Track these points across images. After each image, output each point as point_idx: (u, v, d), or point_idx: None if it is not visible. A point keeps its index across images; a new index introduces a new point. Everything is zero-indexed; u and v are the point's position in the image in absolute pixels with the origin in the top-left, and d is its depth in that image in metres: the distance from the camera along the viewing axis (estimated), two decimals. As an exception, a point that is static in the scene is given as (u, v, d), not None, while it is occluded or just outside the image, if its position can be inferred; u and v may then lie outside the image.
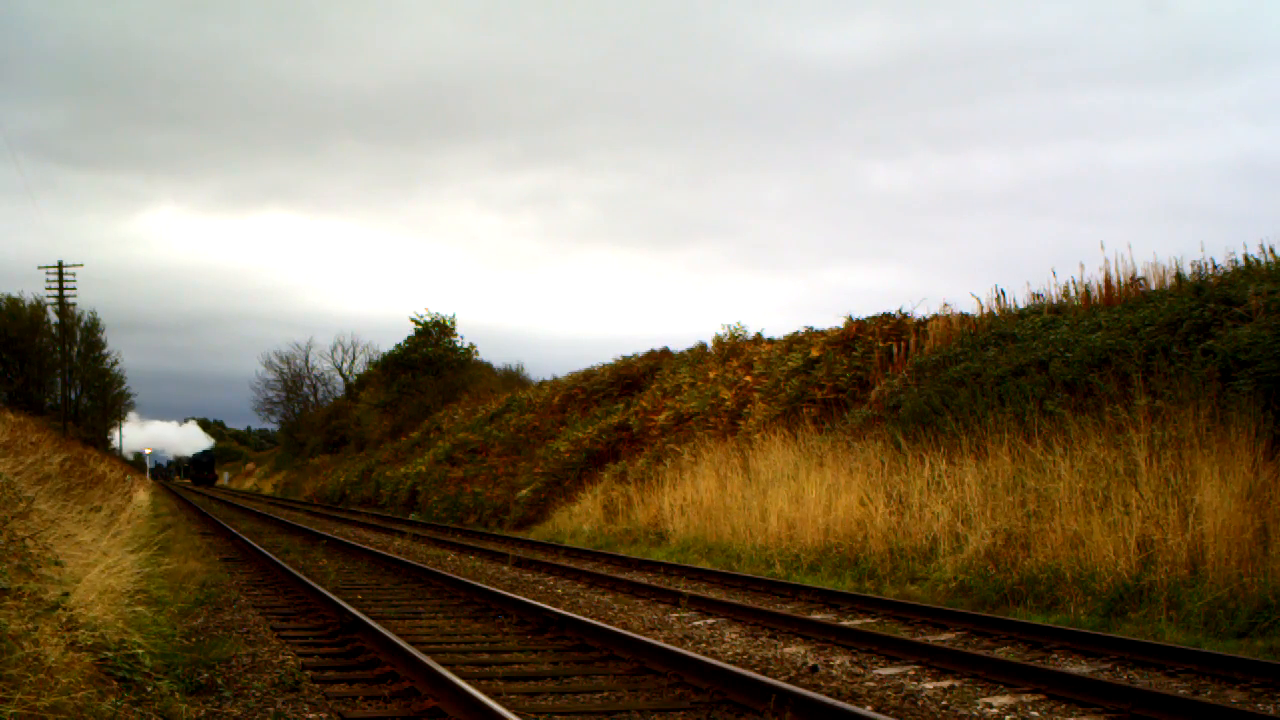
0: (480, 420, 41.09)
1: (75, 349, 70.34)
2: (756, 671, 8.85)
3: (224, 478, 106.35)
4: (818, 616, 12.11)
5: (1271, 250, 15.65)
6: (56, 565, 8.60)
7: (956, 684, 8.70)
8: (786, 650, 10.27)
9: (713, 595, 13.83)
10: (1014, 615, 11.51)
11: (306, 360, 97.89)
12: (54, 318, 63.86)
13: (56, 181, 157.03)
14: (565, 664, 9.53)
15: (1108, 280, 17.96)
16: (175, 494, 58.57)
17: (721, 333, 29.43)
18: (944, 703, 8.09)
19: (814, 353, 22.47)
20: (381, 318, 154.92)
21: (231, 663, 9.38)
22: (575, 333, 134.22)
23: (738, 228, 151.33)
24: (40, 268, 63.16)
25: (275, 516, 34.74)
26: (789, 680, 8.59)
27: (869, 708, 7.80)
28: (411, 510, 37.76)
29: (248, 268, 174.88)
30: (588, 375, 35.00)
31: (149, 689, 7.53)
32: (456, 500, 33.88)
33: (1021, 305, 19.50)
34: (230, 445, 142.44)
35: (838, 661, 9.68)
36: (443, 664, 8.65)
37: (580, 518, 25.46)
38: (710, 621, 12.12)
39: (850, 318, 22.82)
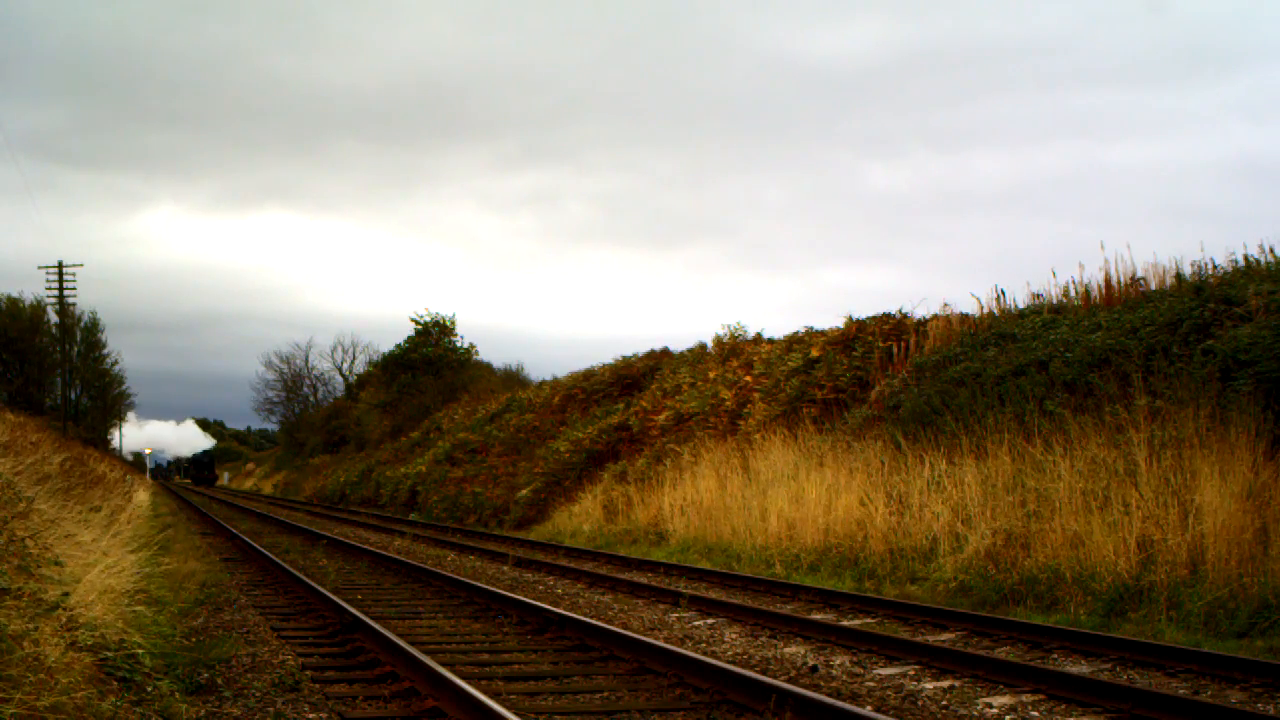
0: (480, 420, 41.08)
1: (75, 349, 70.33)
2: (756, 671, 8.85)
3: (224, 478, 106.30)
4: (818, 616, 12.11)
5: (1271, 250, 15.68)
6: (56, 565, 8.59)
7: (956, 684, 8.70)
8: (786, 650, 10.27)
9: (713, 595, 13.83)
10: (1014, 615, 11.51)
11: (306, 360, 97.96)
12: (54, 318, 63.93)
13: (56, 181, 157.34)
14: (565, 664, 9.53)
15: (1108, 280, 17.96)
16: (175, 494, 58.57)
17: (721, 333, 29.47)
18: (944, 703, 8.09)
19: (814, 353, 22.46)
20: (381, 318, 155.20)
21: (231, 663, 9.38)
22: (575, 333, 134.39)
23: (737, 228, 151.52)
24: (40, 268, 63.31)
25: (275, 516, 34.73)
26: (789, 680, 8.59)
27: (869, 708, 7.80)
28: (411, 510, 37.75)
29: (247, 268, 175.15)
30: (588, 375, 34.99)
31: (149, 689, 7.53)
32: (456, 500, 33.87)
33: (1021, 305, 19.52)
34: (230, 445, 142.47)
35: (838, 661, 9.68)
36: (443, 664, 8.65)
37: (580, 518, 25.46)
38: (710, 621, 12.11)
39: (850, 318, 22.85)
